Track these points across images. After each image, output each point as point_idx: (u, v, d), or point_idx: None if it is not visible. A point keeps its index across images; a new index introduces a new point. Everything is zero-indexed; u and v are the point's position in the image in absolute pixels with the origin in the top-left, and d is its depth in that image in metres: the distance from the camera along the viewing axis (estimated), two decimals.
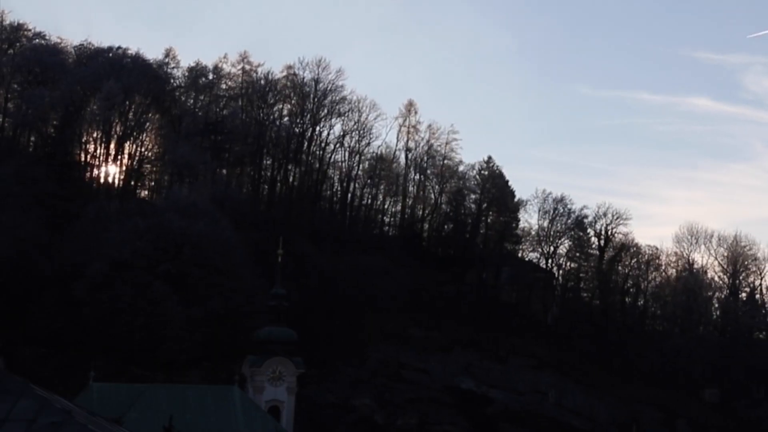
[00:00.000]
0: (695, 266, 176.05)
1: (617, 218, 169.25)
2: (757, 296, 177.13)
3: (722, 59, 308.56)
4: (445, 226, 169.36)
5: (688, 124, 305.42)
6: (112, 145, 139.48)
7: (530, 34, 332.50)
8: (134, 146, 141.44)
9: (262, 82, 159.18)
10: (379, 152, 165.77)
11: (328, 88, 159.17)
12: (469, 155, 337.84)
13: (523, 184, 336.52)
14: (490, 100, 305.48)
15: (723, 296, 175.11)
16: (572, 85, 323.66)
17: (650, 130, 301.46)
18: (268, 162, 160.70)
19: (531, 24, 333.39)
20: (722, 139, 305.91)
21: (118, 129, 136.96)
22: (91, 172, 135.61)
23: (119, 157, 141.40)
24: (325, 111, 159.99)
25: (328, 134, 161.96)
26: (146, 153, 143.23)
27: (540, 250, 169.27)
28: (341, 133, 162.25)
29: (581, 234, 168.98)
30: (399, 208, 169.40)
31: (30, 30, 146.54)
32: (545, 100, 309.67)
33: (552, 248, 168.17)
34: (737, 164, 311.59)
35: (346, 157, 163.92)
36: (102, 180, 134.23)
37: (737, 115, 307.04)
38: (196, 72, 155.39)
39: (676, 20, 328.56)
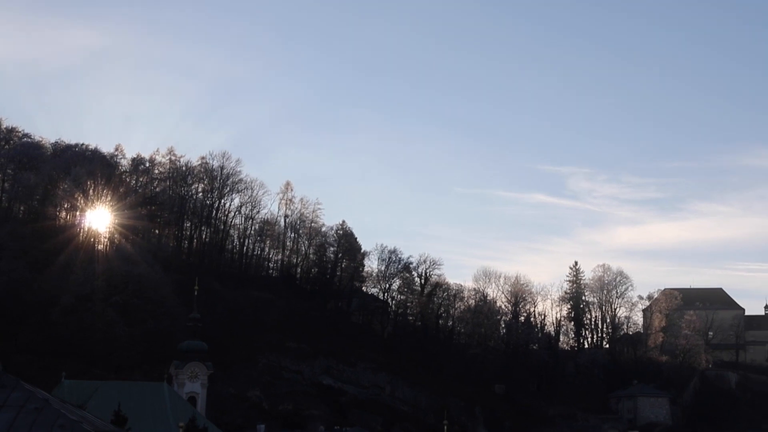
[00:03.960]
0: (488, 298, 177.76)
1: (433, 264, 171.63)
2: (532, 319, 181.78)
3: (555, 169, 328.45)
4: (312, 270, 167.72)
5: (529, 210, 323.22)
6: (78, 213, 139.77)
7: (407, 144, 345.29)
8: (93, 214, 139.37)
9: (184, 168, 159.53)
10: (265, 218, 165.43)
11: (230, 173, 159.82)
12: (329, 219, 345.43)
13: (367, 240, 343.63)
14: (353, 187, 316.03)
15: (507, 319, 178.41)
16: (449, 185, 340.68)
17: (504, 214, 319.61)
18: (188, 225, 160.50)
19: (409, 133, 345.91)
20: (552, 220, 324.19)
21: (82, 202, 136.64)
22: (64, 232, 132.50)
23: (83, 221, 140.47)
24: (228, 189, 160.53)
25: (230, 205, 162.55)
26: (101, 219, 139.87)
27: (379, 286, 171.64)
28: (239, 205, 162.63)
29: (408, 275, 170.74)
30: (280, 257, 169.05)
31: (20, 131, 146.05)
32: (423, 196, 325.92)
33: (387, 285, 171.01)
34: (560, 238, 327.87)
35: (243, 221, 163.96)
36: (71, 237, 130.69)
37: (563, 205, 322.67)
38: (137, 161, 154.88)
39: (527, 143, 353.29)
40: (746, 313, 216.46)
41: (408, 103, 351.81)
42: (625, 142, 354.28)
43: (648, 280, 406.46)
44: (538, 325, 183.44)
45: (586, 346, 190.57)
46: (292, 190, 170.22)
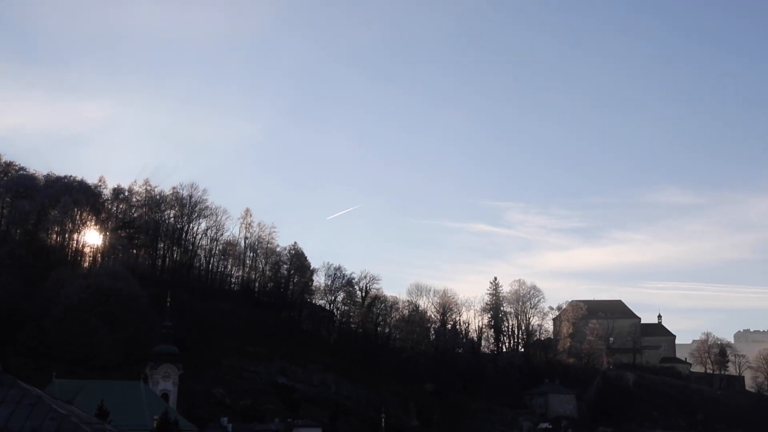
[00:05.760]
0: (420, 308, 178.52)
1: (372, 280, 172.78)
2: (458, 327, 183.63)
3: (495, 204, 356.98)
4: (268, 284, 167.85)
5: (473, 238, 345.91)
6: (67, 236, 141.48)
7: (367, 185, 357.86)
8: (79, 237, 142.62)
9: (158, 197, 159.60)
10: (228, 239, 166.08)
11: (198, 201, 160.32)
12: (283, 241, 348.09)
13: (315, 258, 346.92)
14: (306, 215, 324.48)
15: (436, 327, 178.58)
16: (401, 216, 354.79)
17: (451, 240, 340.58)
18: (161, 245, 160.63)
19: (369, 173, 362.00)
20: (492, 246, 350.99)
21: (70, 226, 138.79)
22: (55, 252, 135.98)
23: (71, 243, 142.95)
24: (196, 214, 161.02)
25: (197, 228, 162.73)
26: (87, 241, 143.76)
27: (326, 298, 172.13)
28: (205, 228, 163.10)
29: (351, 289, 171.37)
30: (240, 273, 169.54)
31: (17, 165, 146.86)
32: (374, 226, 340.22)
33: (333, 297, 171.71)
34: (499, 261, 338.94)
35: (208, 243, 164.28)
36: (61, 257, 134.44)
37: (501, 233, 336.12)
38: (118, 191, 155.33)
39: (472, 182, 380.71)
40: (642, 322, 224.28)
41: (364, 144, 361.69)
42: (554, 181, 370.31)
43: (568, 296, 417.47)
44: (463, 332, 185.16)
45: (504, 350, 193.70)
46: (251, 215, 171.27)
